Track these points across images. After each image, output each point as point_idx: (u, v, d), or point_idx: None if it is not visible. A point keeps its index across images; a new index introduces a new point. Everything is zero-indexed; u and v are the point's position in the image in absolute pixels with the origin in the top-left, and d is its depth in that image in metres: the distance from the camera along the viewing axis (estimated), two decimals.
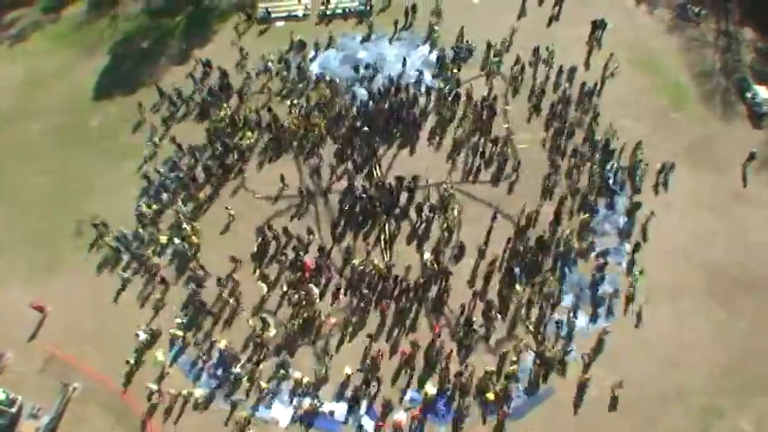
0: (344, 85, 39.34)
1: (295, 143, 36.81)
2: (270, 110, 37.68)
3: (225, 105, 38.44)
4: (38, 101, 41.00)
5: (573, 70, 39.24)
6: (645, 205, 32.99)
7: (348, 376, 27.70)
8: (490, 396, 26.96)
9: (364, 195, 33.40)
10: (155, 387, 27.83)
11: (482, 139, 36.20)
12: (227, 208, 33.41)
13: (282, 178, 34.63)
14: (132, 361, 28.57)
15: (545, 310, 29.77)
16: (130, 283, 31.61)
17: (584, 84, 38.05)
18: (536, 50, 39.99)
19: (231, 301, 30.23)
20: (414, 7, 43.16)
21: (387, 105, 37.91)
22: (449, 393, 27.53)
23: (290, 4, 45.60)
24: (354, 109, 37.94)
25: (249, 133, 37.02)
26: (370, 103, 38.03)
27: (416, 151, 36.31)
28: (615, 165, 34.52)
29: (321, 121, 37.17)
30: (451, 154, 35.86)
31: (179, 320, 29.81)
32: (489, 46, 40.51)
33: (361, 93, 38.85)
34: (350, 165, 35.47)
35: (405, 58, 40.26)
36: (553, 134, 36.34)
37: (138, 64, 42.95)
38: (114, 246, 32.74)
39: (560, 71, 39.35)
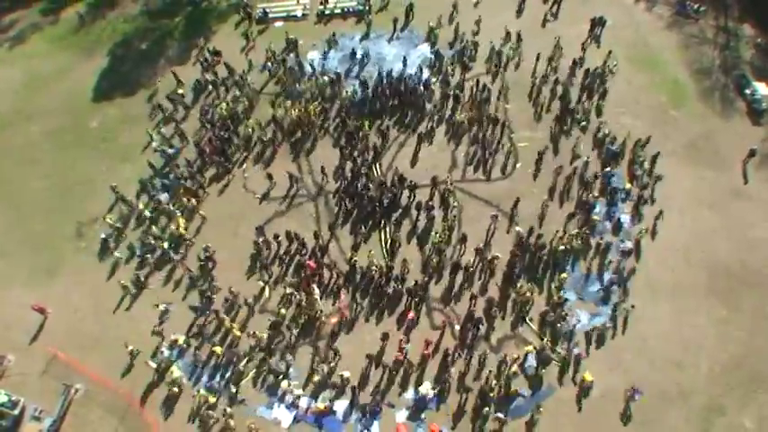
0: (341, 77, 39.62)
1: (293, 139, 37.01)
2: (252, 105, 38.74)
3: (224, 99, 38.94)
4: (37, 103, 40.97)
5: (574, 67, 39.28)
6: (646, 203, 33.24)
7: (348, 379, 27.67)
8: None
9: (366, 191, 33.44)
10: (154, 365, 28.24)
11: (482, 132, 36.42)
12: (200, 212, 33.66)
13: (270, 177, 34.71)
14: (155, 378, 28.42)
15: (548, 309, 29.76)
16: (125, 265, 32.07)
17: (583, 80, 38.21)
18: (519, 36, 40.47)
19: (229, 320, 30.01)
20: (412, 7, 43.13)
21: (390, 91, 38.46)
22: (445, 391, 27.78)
23: (288, 4, 45.56)
24: (351, 100, 38.38)
25: (250, 122, 37.44)
26: (369, 91, 38.57)
27: (413, 147, 36.37)
28: (616, 163, 34.63)
29: (314, 108, 37.41)
30: (453, 152, 35.93)
31: (164, 306, 29.92)
32: (476, 44, 40.71)
33: (358, 86, 38.99)
34: (349, 163, 35.44)
35: (405, 57, 40.26)
36: (553, 131, 36.57)
37: (137, 65, 42.92)
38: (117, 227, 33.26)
39: (560, 68, 39.38)
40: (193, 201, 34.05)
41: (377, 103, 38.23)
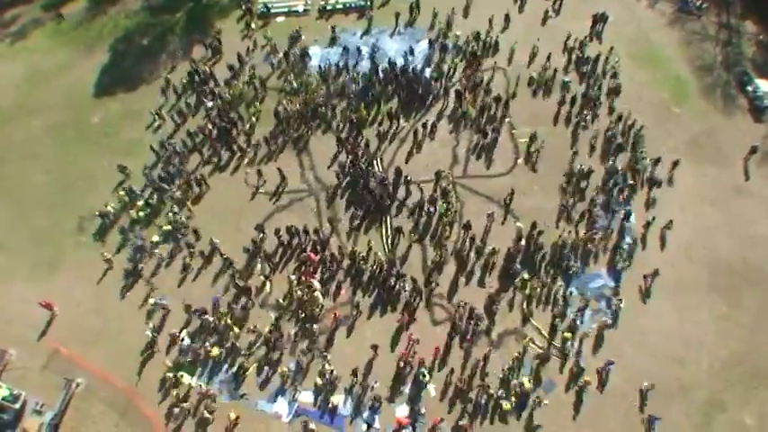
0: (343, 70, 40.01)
1: (297, 135, 37.11)
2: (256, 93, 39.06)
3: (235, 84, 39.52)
4: (38, 98, 40.97)
5: (578, 63, 39.33)
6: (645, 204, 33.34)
7: (335, 374, 27.89)
8: (507, 406, 26.88)
9: (368, 182, 33.59)
10: (151, 335, 28.76)
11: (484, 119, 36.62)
12: (189, 209, 33.77)
13: (260, 173, 34.86)
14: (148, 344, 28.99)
15: (553, 307, 29.84)
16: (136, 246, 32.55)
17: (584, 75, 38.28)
18: (507, 18, 41.42)
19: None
20: (419, 3, 43.15)
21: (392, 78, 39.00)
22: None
23: None
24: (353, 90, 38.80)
25: (256, 106, 38.08)
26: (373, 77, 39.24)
27: (416, 143, 36.34)
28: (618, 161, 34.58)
29: (318, 86, 38.20)
30: (454, 148, 35.91)
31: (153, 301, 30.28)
32: (477, 39, 40.65)
33: (360, 77, 39.39)
34: (351, 158, 35.44)
35: (406, 52, 40.46)
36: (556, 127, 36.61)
37: (139, 61, 42.93)
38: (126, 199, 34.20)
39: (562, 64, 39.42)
40: (195, 189, 34.57)
41: (376, 87, 38.55)
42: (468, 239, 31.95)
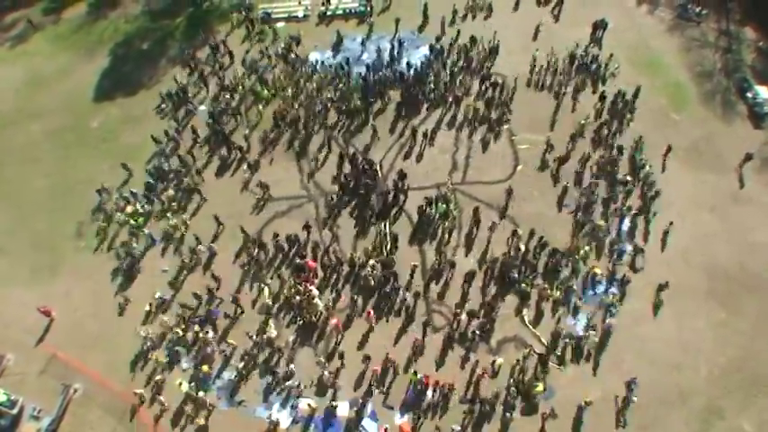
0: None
1: (294, 138, 37.22)
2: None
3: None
4: (38, 102, 41.06)
5: (579, 69, 39.38)
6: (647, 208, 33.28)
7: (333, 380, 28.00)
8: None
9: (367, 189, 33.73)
10: (143, 333, 28.93)
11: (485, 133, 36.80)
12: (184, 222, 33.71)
13: (250, 167, 35.11)
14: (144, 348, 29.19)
15: (553, 314, 29.82)
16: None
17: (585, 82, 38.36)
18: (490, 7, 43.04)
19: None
20: (426, 8, 43.20)
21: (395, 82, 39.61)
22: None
23: (290, 4, 45.61)
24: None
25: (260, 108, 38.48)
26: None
27: (414, 149, 36.36)
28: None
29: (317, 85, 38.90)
30: (453, 154, 35.92)
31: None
32: (474, 43, 40.65)
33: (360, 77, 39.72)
34: (350, 163, 35.53)
35: (405, 57, 40.70)
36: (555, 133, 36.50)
37: (139, 65, 43.01)
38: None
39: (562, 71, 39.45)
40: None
41: (375, 89, 38.75)
42: (475, 224, 32.44)
